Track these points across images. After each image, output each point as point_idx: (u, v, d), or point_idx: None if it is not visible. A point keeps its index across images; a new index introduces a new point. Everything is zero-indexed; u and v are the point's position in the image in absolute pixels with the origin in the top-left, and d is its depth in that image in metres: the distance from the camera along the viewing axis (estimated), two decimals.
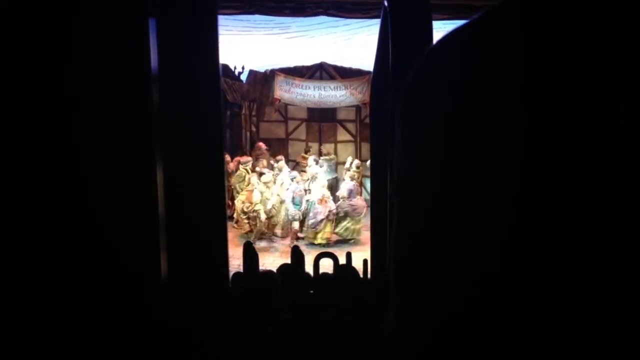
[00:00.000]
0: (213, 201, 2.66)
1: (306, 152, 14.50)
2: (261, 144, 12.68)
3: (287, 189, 10.73)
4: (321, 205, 10.47)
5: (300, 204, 10.56)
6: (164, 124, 2.54)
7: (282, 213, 10.77)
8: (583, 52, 0.40)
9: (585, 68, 0.40)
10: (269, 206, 10.73)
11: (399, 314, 0.60)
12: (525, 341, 0.43)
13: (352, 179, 11.40)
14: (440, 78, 0.53)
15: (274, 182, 11.34)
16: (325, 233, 10.57)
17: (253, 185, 10.87)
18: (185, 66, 2.52)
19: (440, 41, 0.56)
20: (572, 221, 0.40)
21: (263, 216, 10.52)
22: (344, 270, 5.18)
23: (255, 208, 10.53)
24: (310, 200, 10.58)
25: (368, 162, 12.86)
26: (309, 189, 10.93)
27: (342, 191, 10.96)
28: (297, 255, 5.59)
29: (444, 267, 0.51)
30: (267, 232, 10.83)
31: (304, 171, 12.27)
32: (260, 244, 10.38)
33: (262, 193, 10.73)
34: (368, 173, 13.88)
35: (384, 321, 0.64)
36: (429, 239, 0.54)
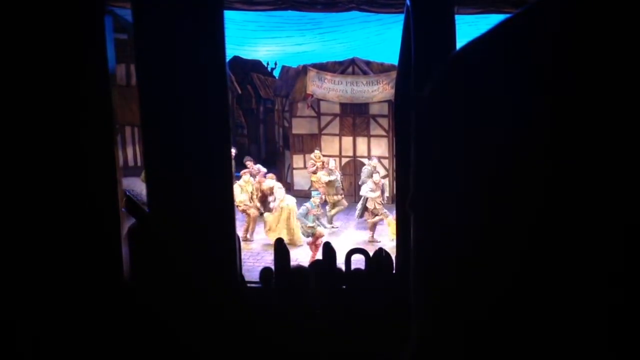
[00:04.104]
0: (220, 198, 2.68)
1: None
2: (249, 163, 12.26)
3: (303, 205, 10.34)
4: None
5: (312, 220, 10.04)
6: (170, 121, 2.57)
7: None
8: None
9: None
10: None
11: (420, 326, 0.61)
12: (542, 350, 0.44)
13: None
14: (459, 93, 0.50)
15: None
16: None
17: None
18: (191, 63, 2.54)
19: (460, 50, 0.53)
20: (590, 230, 0.39)
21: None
22: (376, 266, 5.15)
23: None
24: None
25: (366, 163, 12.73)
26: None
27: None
28: (329, 251, 5.60)
29: (458, 282, 0.51)
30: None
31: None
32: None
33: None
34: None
35: (409, 329, 0.64)
36: (444, 255, 0.54)
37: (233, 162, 8.54)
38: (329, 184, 11.92)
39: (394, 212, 7.66)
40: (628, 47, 0.37)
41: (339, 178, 12.20)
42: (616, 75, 0.38)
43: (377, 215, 11.06)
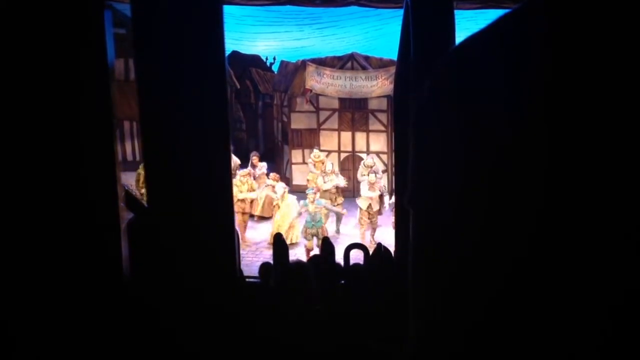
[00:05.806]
0: (219, 192, 2.67)
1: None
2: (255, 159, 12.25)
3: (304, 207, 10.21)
4: None
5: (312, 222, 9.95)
6: (169, 116, 2.57)
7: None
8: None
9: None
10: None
11: (419, 323, 0.61)
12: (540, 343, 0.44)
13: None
14: (458, 88, 0.50)
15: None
16: None
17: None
18: (190, 58, 2.53)
19: (459, 46, 0.53)
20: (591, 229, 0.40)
21: None
22: (376, 262, 5.15)
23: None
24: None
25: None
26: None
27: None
28: (327, 246, 5.61)
29: (457, 280, 0.51)
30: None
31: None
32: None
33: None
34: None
35: (407, 326, 0.65)
36: (443, 252, 0.54)
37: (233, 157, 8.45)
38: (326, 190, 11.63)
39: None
40: (622, 45, 0.37)
41: (336, 182, 11.80)
42: (611, 73, 0.38)
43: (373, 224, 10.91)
